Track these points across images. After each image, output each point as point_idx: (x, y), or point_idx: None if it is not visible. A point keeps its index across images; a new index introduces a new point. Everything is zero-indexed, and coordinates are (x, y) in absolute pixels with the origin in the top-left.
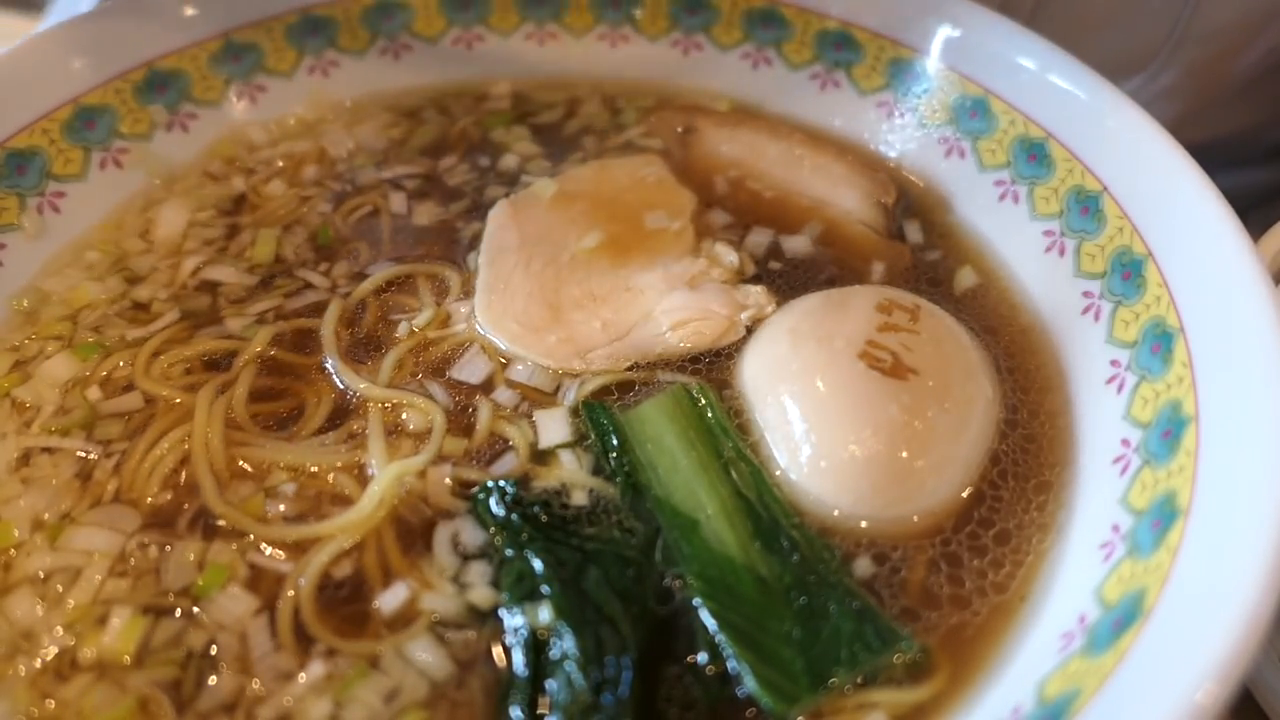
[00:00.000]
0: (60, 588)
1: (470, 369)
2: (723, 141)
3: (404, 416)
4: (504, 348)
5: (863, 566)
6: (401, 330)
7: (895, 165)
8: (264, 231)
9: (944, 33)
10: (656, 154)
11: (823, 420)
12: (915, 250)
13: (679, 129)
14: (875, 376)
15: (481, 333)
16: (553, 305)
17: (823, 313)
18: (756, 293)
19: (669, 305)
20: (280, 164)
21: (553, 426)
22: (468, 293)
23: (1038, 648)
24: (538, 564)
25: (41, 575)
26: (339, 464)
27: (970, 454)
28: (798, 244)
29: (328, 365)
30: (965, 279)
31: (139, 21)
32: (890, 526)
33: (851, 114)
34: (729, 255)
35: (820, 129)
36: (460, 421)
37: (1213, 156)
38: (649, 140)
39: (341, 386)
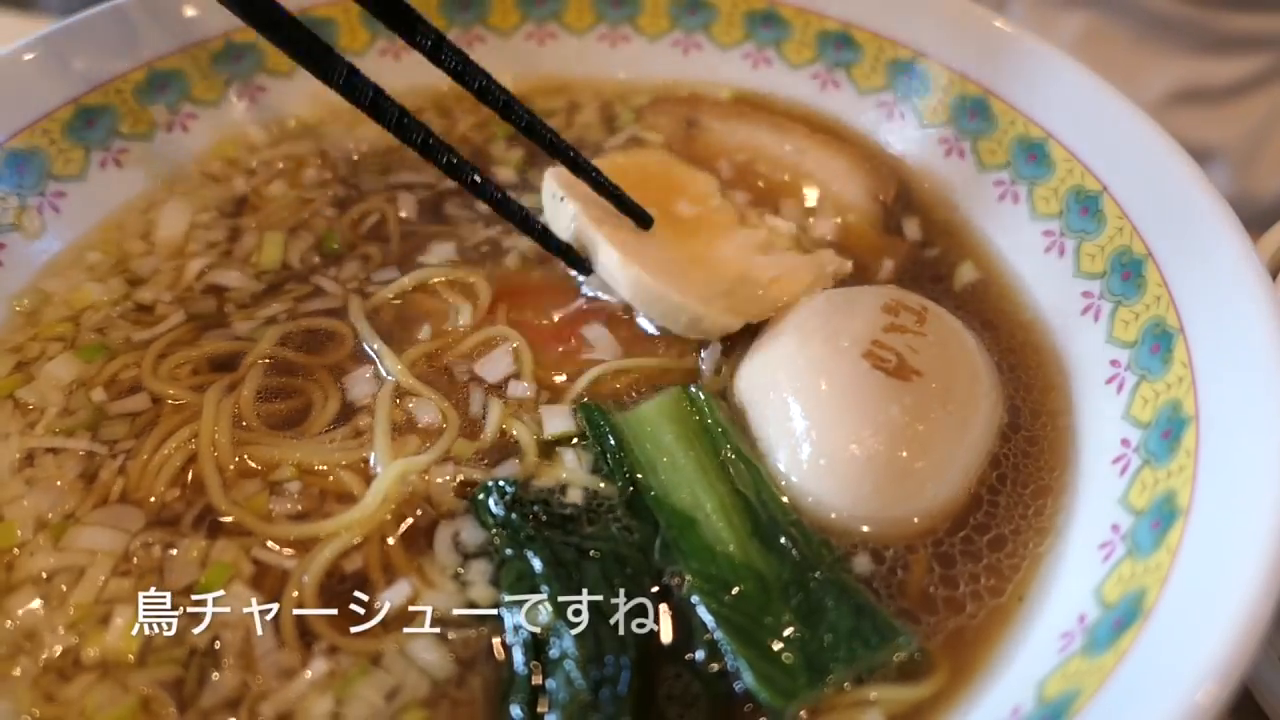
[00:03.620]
0: (64, 587)
1: (490, 368)
2: (724, 134)
3: (412, 413)
4: (651, 289)
5: (861, 565)
6: (424, 334)
7: (895, 165)
8: (270, 235)
9: (944, 33)
10: (660, 147)
11: (824, 418)
12: (914, 247)
13: (680, 121)
14: (879, 376)
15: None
16: (673, 260)
17: (829, 312)
18: (829, 254)
19: (758, 265)
20: (281, 165)
21: (557, 419)
22: (472, 295)
23: (1037, 648)
24: (537, 563)
25: (45, 575)
26: (344, 461)
27: (971, 457)
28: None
29: (367, 349)
30: (965, 275)
31: (139, 21)
32: (890, 527)
33: (852, 114)
34: (785, 224)
35: (820, 129)
36: (466, 420)
37: None
38: (650, 134)
39: (384, 372)
